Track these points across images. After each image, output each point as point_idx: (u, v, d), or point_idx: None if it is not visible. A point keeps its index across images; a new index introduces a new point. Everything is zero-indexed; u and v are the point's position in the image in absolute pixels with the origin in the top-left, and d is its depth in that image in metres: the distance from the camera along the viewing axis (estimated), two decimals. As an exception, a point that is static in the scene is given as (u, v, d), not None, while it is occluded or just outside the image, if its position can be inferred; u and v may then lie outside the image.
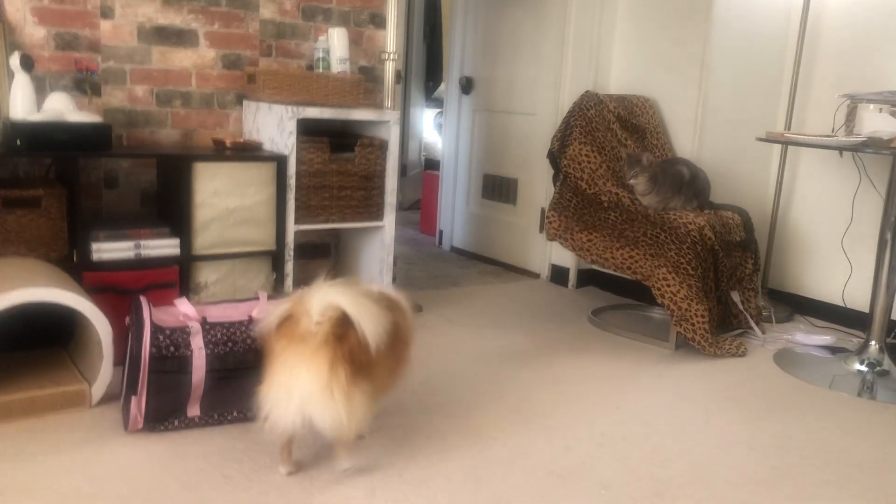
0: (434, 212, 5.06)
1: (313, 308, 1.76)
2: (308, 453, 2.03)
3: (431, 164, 6.10)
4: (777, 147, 3.69)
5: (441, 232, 4.92)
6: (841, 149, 3.04)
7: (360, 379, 1.78)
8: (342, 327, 1.75)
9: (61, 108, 2.54)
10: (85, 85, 2.85)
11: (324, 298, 1.77)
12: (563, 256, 3.98)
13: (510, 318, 3.39)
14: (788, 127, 3.59)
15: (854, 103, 3.09)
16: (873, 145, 2.69)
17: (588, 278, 4.01)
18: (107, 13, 2.87)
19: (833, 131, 3.35)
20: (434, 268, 4.34)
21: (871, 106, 2.89)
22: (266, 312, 1.87)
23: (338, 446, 1.92)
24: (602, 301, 3.73)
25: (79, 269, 2.50)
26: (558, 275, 4.06)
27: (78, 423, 2.13)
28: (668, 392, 2.63)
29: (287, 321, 1.79)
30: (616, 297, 3.82)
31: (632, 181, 3.12)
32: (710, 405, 2.54)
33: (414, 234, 5.31)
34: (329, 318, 1.75)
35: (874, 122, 2.73)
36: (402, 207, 6.15)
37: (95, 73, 2.85)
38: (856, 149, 2.77)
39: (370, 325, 1.75)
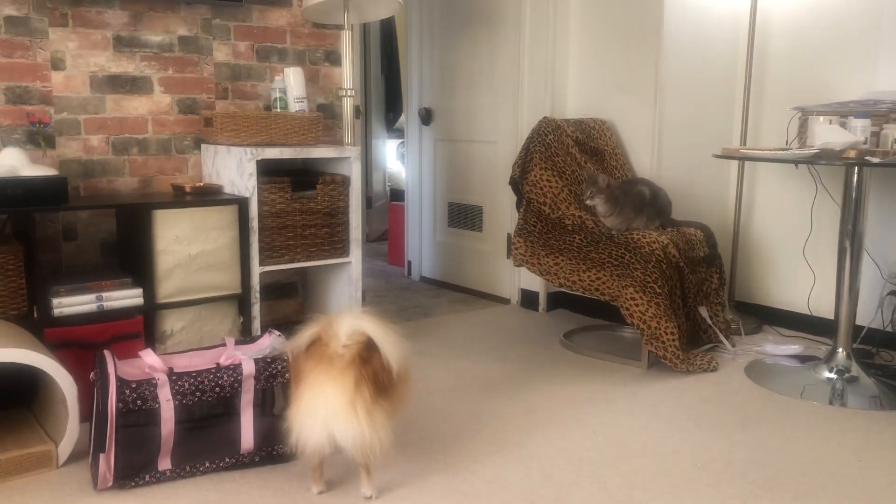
0: (401, 242, 5.05)
1: (341, 332, 1.89)
2: (284, 500, 2.00)
3: (397, 194, 6.11)
4: (735, 161, 3.75)
5: (409, 262, 4.92)
6: (795, 162, 3.10)
7: (382, 399, 1.90)
8: (367, 351, 1.89)
9: (14, 163, 2.50)
10: (38, 138, 2.82)
11: (352, 324, 1.91)
12: (533, 281, 3.99)
13: (483, 347, 3.39)
14: (744, 141, 3.66)
15: (805, 115, 3.15)
16: (826, 157, 2.74)
17: (558, 301, 4.02)
18: (57, 65, 2.84)
19: (787, 143, 3.42)
20: (404, 299, 4.33)
21: (822, 118, 2.94)
22: (295, 337, 1.99)
23: (362, 471, 1.98)
24: (573, 323, 3.75)
25: (40, 325, 2.45)
26: (528, 299, 4.07)
27: (45, 484, 2.08)
28: (643, 412, 2.64)
29: (315, 344, 1.92)
30: (587, 319, 3.84)
31: (589, 202, 3.14)
32: (684, 423, 2.55)
33: (383, 266, 5.29)
34: (356, 341, 1.88)
35: (825, 134, 2.77)
36: (369, 239, 6.14)
37: (48, 125, 2.82)
38: (809, 161, 2.82)
39: (394, 350, 1.89)
